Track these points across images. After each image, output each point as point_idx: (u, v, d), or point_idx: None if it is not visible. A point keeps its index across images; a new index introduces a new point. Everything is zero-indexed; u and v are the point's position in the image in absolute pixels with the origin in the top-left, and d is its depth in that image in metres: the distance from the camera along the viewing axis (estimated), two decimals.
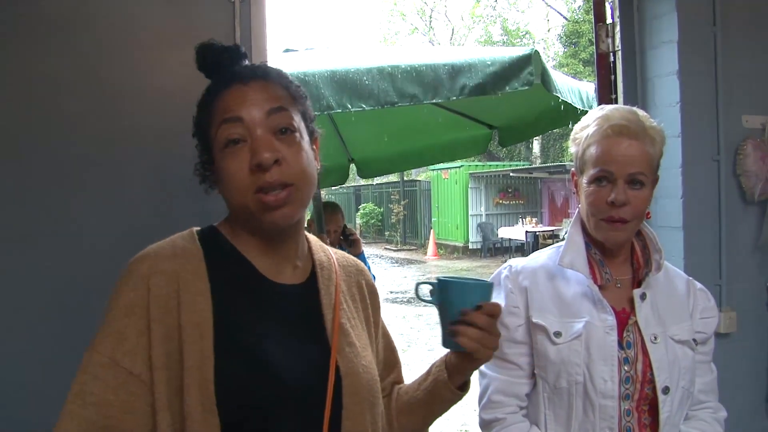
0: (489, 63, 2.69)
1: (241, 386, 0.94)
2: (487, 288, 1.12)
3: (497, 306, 1.09)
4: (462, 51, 3.51)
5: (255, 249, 1.07)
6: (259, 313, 1.03)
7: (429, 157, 5.31)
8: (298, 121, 1.06)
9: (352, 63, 2.78)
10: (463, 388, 1.21)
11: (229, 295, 1.00)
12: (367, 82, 2.62)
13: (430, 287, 1.14)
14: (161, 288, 0.95)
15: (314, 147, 1.12)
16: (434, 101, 2.73)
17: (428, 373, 1.23)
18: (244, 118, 1.01)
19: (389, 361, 1.31)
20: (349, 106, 2.62)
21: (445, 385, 1.18)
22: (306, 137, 1.07)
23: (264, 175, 0.99)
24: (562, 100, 3.03)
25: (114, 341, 0.93)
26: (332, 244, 3.93)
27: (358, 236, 4.17)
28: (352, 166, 5.11)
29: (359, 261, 1.30)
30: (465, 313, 1.08)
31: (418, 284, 1.18)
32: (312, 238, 1.20)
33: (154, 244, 1.02)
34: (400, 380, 1.33)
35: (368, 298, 1.24)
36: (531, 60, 2.69)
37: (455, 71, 2.67)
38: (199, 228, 1.09)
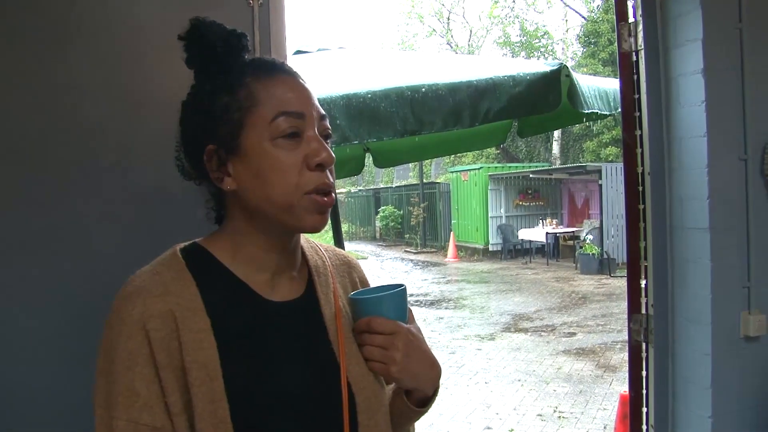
0: (513, 83, 2.59)
1: (257, 422, 0.91)
2: (376, 301, 1.07)
3: (369, 320, 1.05)
4: (484, 64, 3.36)
5: (254, 265, 1.01)
6: (263, 340, 0.98)
7: (446, 147, 5.11)
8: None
9: (368, 81, 2.65)
10: (424, 404, 1.15)
11: (229, 326, 0.95)
12: (385, 109, 2.47)
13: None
14: (159, 331, 0.89)
15: None
16: (457, 128, 2.63)
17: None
18: (306, 115, 0.97)
19: None
20: (368, 137, 2.51)
21: (400, 398, 1.14)
22: None
23: (323, 176, 0.96)
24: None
25: (126, 399, 0.87)
26: None
27: None
28: (368, 156, 4.96)
29: (349, 255, 1.24)
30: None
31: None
32: (302, 239, 1.12)
33: (140, 277, 0.95)
34: None
35: None
36: (559, 77, 2.61)
37: (479, 93, 2.55)
38: (182, 246, 1.02)
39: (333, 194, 0.99)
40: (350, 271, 1.20)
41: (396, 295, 1.08)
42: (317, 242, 1.20)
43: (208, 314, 0.93)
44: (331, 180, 0.98)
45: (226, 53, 1.00)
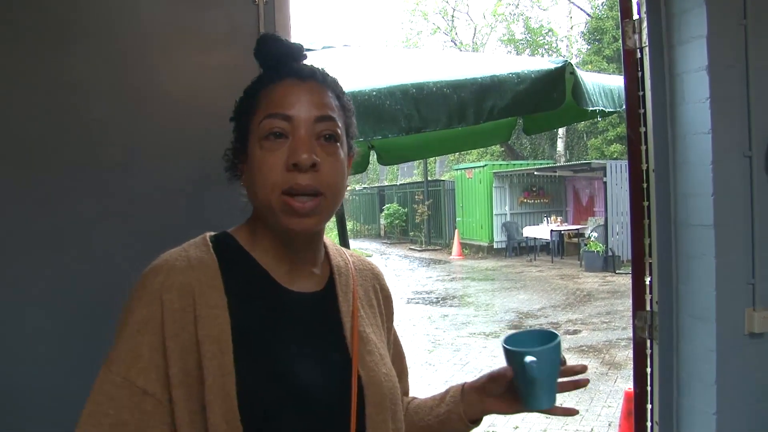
0: (518, 81, 2.60)
1: (264, 400, 0.93)
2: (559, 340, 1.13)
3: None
4: (489, 61, 3.36)
5: (272, 255, 1.05)
6: (277, 324, 1.01)
7: (451, 144, 5.10)
8: (342, 132, 1.04)
9: (373, 78, 2.66)
10: (477, 421, 1.20)
11: (246, 306, 0.99)
12: (389, 107, 2.48)
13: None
14: (174, 303, 0.94)
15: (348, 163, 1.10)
16: (461, 126, 2.64)
17: (442, 400, 1.22)
18: (292, 117, 0.99)
19: (398, 370, 1.26)
20: (372, 134, 2.52)
21: (460, 419, 1.18)
22: (345, 150, 1.05)
23: (297, 177, 0.97)
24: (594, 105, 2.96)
25: (128, 360, 0.92)
26: None
27: None
28: (372, 153, 4.92)
29: (375, 265, 1.27)
30: (561, 371, 1.13)
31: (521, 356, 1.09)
32: (329, 242, 1.17)
33: (169, 253, 1.00)
34: (406, 391, 1.30)
35: (383, 303, 1.22)
36: (563, 75, 2.61)
37: (483, 91, 2.57)
38: (212, 234, 1.07)
39: (314, 196, 0.98)
40: (373, 277, 1.23)
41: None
42: (343, 248, 1.22)
43: (225, 293, 0.97)
44: (312, 181, 0.98)
45: (269, 65, 1.07)
